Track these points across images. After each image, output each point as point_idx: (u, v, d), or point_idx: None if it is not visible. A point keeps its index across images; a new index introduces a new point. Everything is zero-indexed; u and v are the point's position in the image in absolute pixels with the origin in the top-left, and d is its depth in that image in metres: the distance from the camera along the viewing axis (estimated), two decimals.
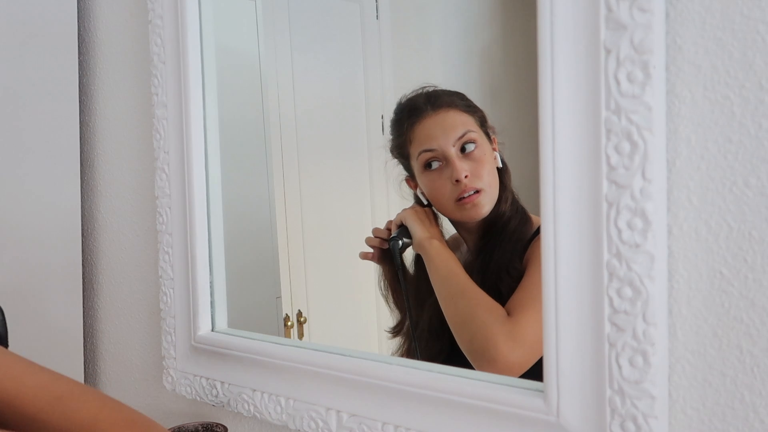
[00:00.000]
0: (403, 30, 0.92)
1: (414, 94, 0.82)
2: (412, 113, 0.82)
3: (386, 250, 0.87)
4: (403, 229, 0.85)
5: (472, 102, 0.79)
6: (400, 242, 0.85)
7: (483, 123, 0.79)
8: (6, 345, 0.85)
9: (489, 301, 0.76)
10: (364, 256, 0.89)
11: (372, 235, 0.89)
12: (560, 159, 0.59)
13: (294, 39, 1.01)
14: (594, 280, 0.58)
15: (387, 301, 0.89)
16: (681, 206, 0.57)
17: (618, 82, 0.55)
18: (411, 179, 0.84)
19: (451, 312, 0.78)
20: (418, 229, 0.83)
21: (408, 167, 0.84)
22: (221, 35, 0.98)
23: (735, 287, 0.55)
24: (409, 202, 0.86)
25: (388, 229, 0.88)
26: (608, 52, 0.56)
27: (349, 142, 0.97)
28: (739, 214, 0.54)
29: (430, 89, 0.81)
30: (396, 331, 0.88)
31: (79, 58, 1.17)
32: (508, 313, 0.74)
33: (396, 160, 0.85)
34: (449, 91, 0.81)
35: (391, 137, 0.85)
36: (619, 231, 0.56)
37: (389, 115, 0.87)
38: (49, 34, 1.12)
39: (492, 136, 0.79)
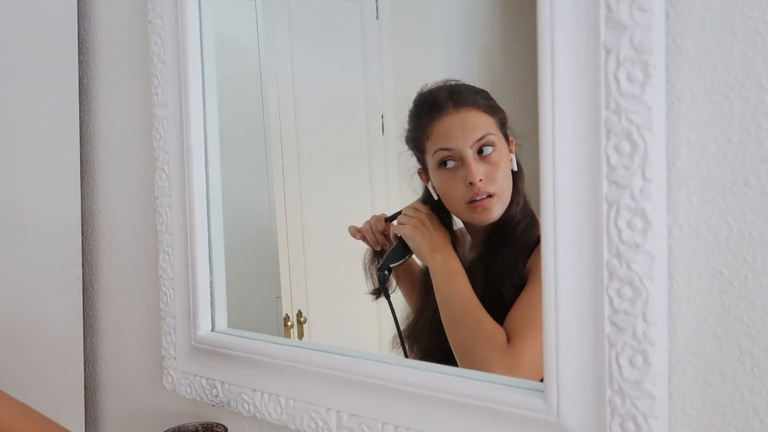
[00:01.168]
0: (403, 30, 0.92)
1: (436, 86, 0.80)
2: (432, 108, 0.80)
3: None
4: (400, 244, 0.84)
5: (494, 102, 0.78)
6: (386, 273, 0.84)
7: (503, 124, 0.77)
8: None
9: (489, 326, 0.74)
10: (355, 233, 0.90)
11: (371, 221, 0.88)
12: (560, 159, 0.59)
13: (294, 39, 1.01)
14: (594, 280, 0.58)
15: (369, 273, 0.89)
16: (681, 206, 0.57)
17: (618, 82, 0.55)
18: (423, 172, 0.83)
19: (452, 335, 0.77)
20: (418, 244, 0.82)
21: (422, 160, 0.83)
22: (221, 35, 0.98)
23: (735, 287, 0.55)
24: (419, 194, 0.86)
25: (393, 216, 0.87)
26: (608, 52, 0.56)
27: (349, 142, 0.97)
28: (739, 214, 0.54)
29: (454, 83, 0.80)
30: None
31: (79, 58, 1.17)
32: (508, 335, 0.73)
33: (410, 151, 0.84)
34: (473, 89, 0.79)
35: (408, 128, 0.84)
36: (619, 231, 0.56)
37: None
38: (49, 34, 1.12)
39: (510, 138, 0.78)
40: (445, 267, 0.80)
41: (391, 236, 0.87)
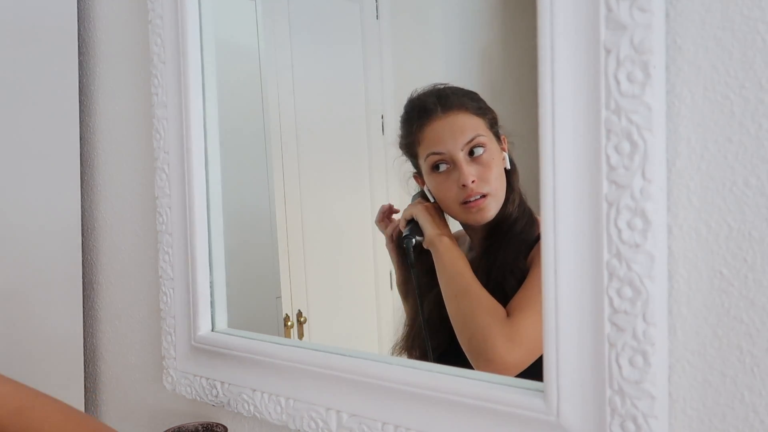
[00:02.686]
0: (403, 30, 0.92)
1: (425, 91, 0.81)
2: (421, 113, 0.81)
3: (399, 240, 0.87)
4: (414, 226, 0.85)
5: (483, 103, 0.78)
6: (413, 240, 0.84)
7: (493, 124, 0.78)
8: None
9: (490, 301, 0.76)
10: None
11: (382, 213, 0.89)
12: (560, 159, 0.59)
13: (294, 39, 1.01)
14: (594, 280, 0.58)
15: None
16: (681, 206, 0.57)
17: (618, 82, 0.55)
18: (419, 176, 0.84)
19: (453, 310, 0.79)
20: (429, 226, 0.83)
21: (416, 165, 0.84)
22: (221, 35, 0.98)
23: (735, 287, 0.55)
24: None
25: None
26: (608, 52, 0.56)
27: (349, 142, 0.97)
28: (739, 214, 0.54)
29: (442, 87, 0.80)
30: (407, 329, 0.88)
31: (79, 58, 1.17)
32: (509, 314, 0.74)
33: (405, 156, 0.85)
34: (461, 91, 0.80)
35: (400, 134, 0.85)
36: (619, 231, 0.56)
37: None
38: (49, 34, 1.12)
39: (502, 136, 0.78)
40: (452, 248, 0.81)
41: (401, 223, 0.86)
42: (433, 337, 0.82)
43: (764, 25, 0.52)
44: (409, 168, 0.85)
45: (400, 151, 0.85)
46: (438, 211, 0.84)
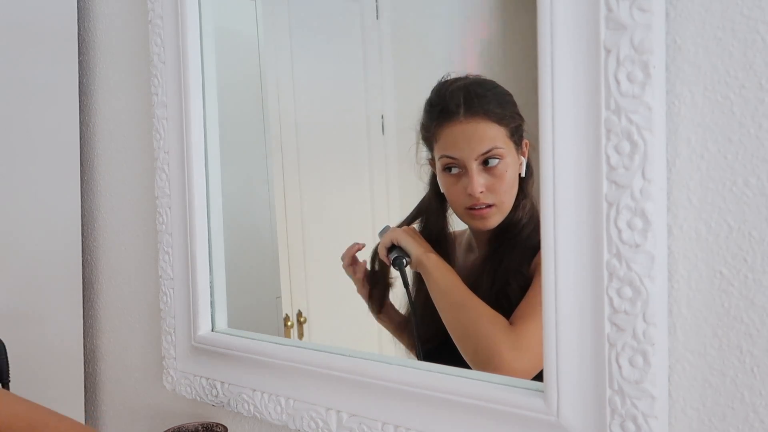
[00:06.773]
0: (403, 30, 0.92)
1: (455, 85, 0.79)
2: (443, 114, 0.79)
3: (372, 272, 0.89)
4: (399, 250, 0.85)
5: (511, 109, 0.76)
6: (405, 260, 0.84)
7: (515, 132, 0.76)
8: (7, 379, 0.86)
9: (490, 311, 0.75)
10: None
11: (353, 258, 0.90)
12: (560, 159, 0.59)
13: (294, 39, 1.01)
14: (594, 280, 0.58)
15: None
16: (681, 206, 0.57)
17: (618, 82, 0.55)
18: (433, 162, 0.83)
19: (453, 324, 0.78)
20: (413, 245, 0.83)
21: (432, 154, 0.83)
22: (221, 35, 0.98)
23: (735, 287, 0.55)
24: (425, 181, 0.85)
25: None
26: (608, 52, 0.56)
27: (349, 142, 0.97)
28: (739, 214, 0.54)
29: (473, 80, 0.78)
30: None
31: (79, 58, 1.17)
32: (512, 323, 0.73)
33: (422, 142, 0.83)
34: (492, 93, 0.78)
35: (422, 118, 0.83)
36: (619, 231, 0.56)
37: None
38: (49, 34, 1.12)
39: (525, 141, 0.77)
40: (440, 264, 0.81)
41: (381, 251, 0.86)
42: (426, 328, 0.82)
43: (764, 25, 0.52)
44: (425, 154, 0.84)
45: (419, 134, 0.83)
46: (417, 233, 0.84)
